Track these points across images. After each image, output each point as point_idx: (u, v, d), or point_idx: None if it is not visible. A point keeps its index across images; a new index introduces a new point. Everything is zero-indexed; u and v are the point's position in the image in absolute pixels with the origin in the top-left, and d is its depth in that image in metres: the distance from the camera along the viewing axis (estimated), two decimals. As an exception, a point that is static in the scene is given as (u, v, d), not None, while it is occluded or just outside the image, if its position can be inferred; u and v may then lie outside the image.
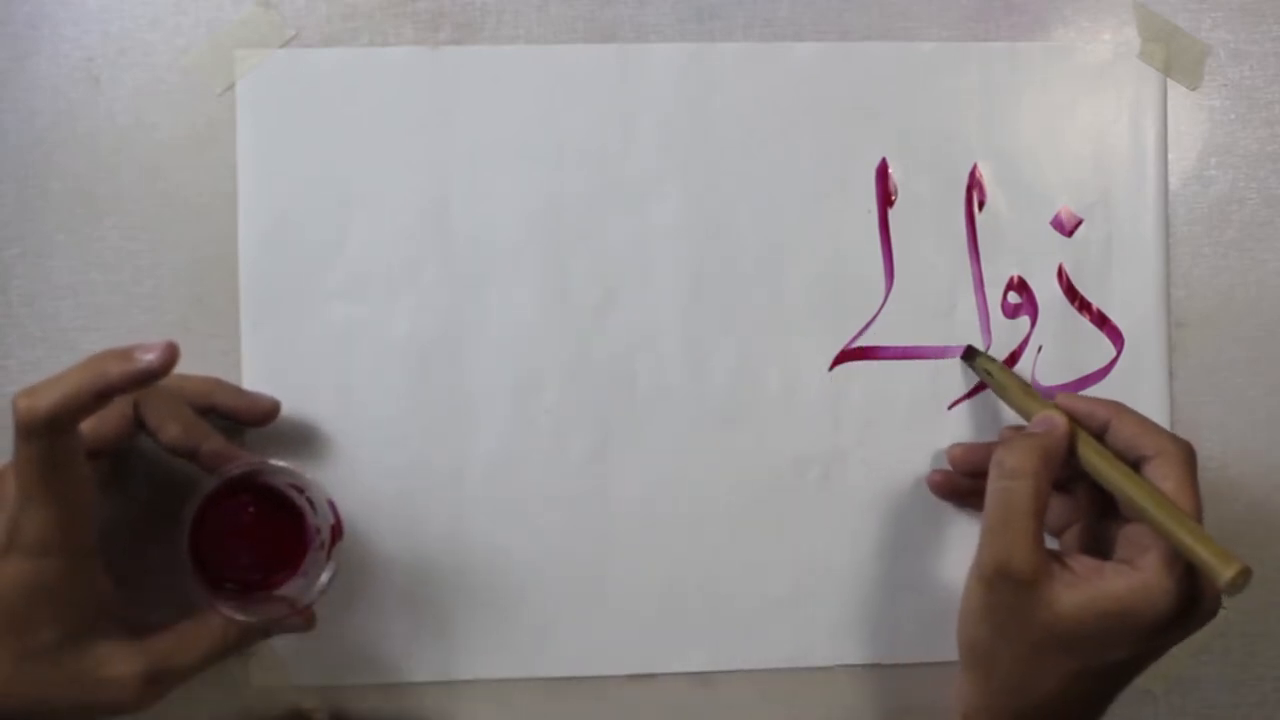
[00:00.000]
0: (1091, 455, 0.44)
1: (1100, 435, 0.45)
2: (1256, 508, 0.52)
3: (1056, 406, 0.46)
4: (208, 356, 0.49)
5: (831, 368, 0.51)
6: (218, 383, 0.47)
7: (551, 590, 0.50)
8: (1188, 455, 0.43)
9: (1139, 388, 0.52)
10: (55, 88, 0.50)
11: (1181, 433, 0.52)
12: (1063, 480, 0.46)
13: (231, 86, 0.50)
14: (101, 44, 0.50)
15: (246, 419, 0.48)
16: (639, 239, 0.50)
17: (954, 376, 0.51)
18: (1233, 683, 0.52)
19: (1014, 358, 0.51)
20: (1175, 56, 0.52)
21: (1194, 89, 0.53)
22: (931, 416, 0.51)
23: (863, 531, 0.51)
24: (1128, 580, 0.41)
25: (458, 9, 0.50)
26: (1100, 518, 0.46)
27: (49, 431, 0.38)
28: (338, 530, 0.45)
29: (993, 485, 0.43)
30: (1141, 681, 0.51)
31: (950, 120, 0.51)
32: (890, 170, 0.51)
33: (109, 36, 0.50)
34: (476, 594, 0.50)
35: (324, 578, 0.45)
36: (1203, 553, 0.39)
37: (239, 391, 0.48)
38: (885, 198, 0.51)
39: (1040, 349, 0.51)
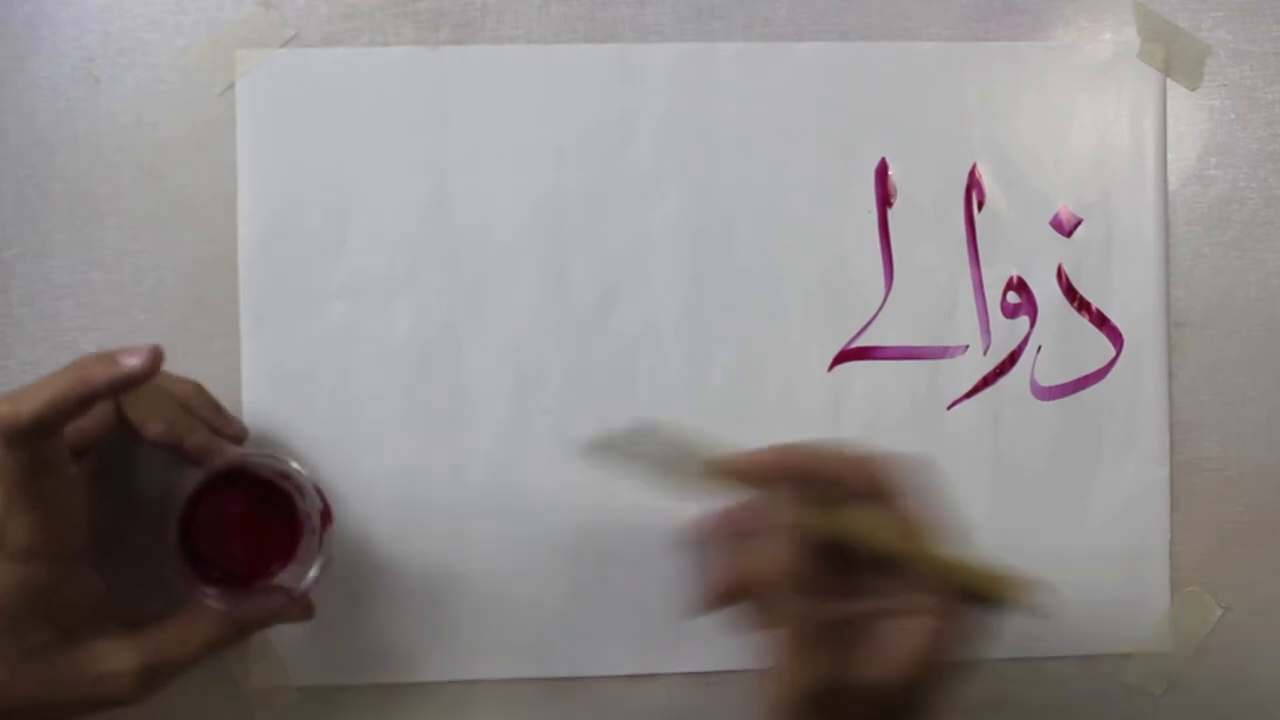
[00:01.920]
0: (829, 521, 0.38)
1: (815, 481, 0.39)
2: (1256, 508, 0.52)
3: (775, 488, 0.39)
4: (208, 356, 0.49)
5: (831, 368, 0.51)
6: (198, 389, 0.47)
7: (552, 590, 0.50)
8: (910, 473, 0.39)
9: (1139, 388, 0.52)
10: (55, 88, 0.50)
11: (1181, 433, 0.52)
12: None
13: (231, 86, 0.50)
14: (101, 44, 0.50)
15: (219, 432, 0.47)
16: (639, 239, 0.50)
17: (954, 376, 0.51)
18: (1233, 683, 0.52)
19: (1013, 358, 0.51)
20: (1175, 56, 0.52)
21: (1194, 89, 0.53)
22: (931, 416, 0.51)
23: (862, 531, 0.51)
24: (917, 634, 0.37)
25: (458, 9, 0.50)
26: (847, 573, 0.39)
27: (32, 437, 0.38)
28: (328, 515, 0.45)
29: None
30: (1141, 682, 0.52)
31: (950, 120, 0.51)
32: (890, 170, 0.51)
33: (109, 36, 0.50)
34: (476, 594, 0.50)
35: (318, 564, 0.45)
36: (995, 576, 0.37)
37: (216, 407, 0.47)
38: (885, 198, 0.51)
39: (1040, 349, 0.52)
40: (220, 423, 0.47)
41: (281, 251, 0.49)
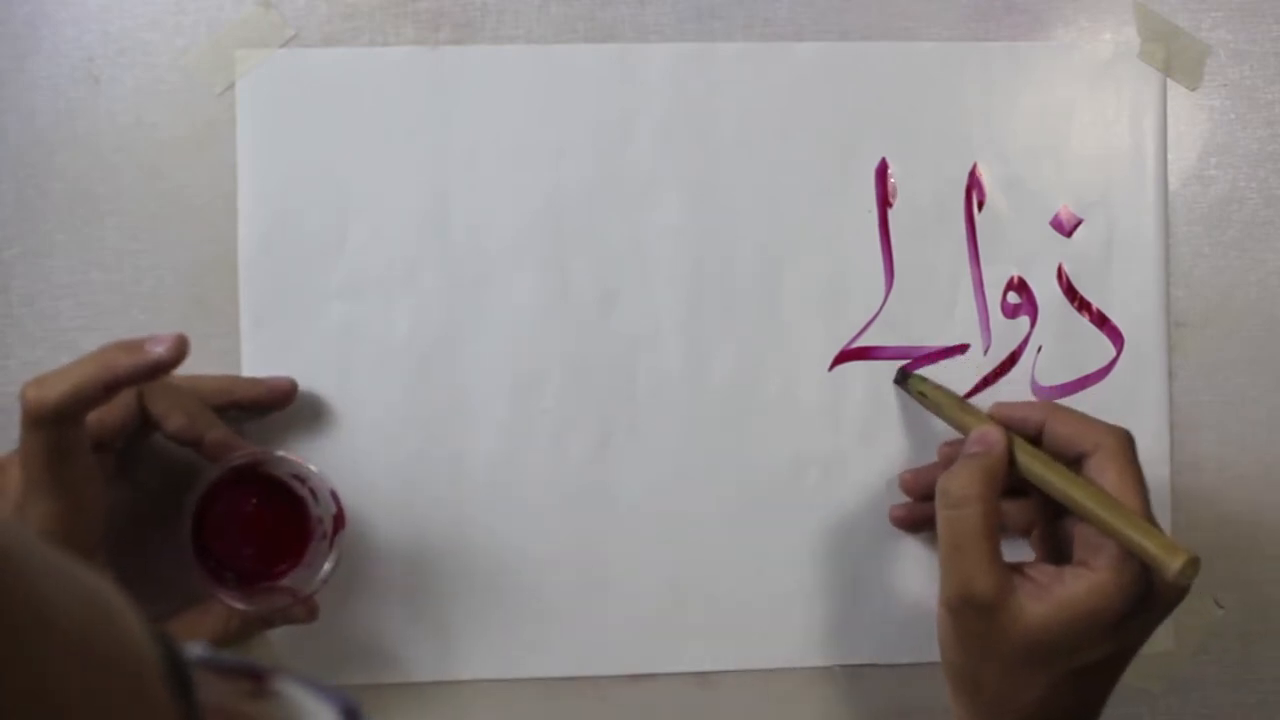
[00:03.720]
0: (1029, 462, 0.44)
1: (1037, 438, 0.45)
2: (1256, 508, 0.52)
3: (991, 419, 0.46)
4: (208, 356, 0.49)
5: (831, 368, 0.51)
6: (233, 379, 0.48)
7: (551, 590, 0.50)
8: (1125, 444, 0.43)
9: (1139, 388, 0.52)
10: (55, 88, 0.50)
11: (1181, 433, 0.52)
12: (1016, 484, 0.45)
13: (231, 86, 0.50)
14: (101, 44, 0.50)
15: (270, 403, 0.48)
16: (639, 239, 0.50)
17: (953, 376, 0.51)
18: (1233, 683, 0.52)
19: (1014, 358, 0.51)
20: (1175, 56, 0.52)
21: (1194, 89, 0.53)
22: (931, 416, 0.51)
23: (862, 531, 0.51)
24: (1086, 583, 0.41)
25: (458, 9, 0.50)
26: (1058, 517, 0.46)
27: (56, 422, 0.38)
28: (340, 520, 0.45)
29: (941, 515, 0.43)
30: (1141, 682, 0.51)
31: (950, 120, 0.51)
32: (890, 170, 0.51)
33: (109, 36, 0.50)
34: (477, 594, 0.50)
35: (326, 568, 0.45)
36: (1148, 546, 0.40)
37: (255, 381, 0.48)
38: (885, 198, 0.51)
39: (1040, 349, 0.51)
40: (268, 388, 0.48)
41: (281, 251, 0.49)
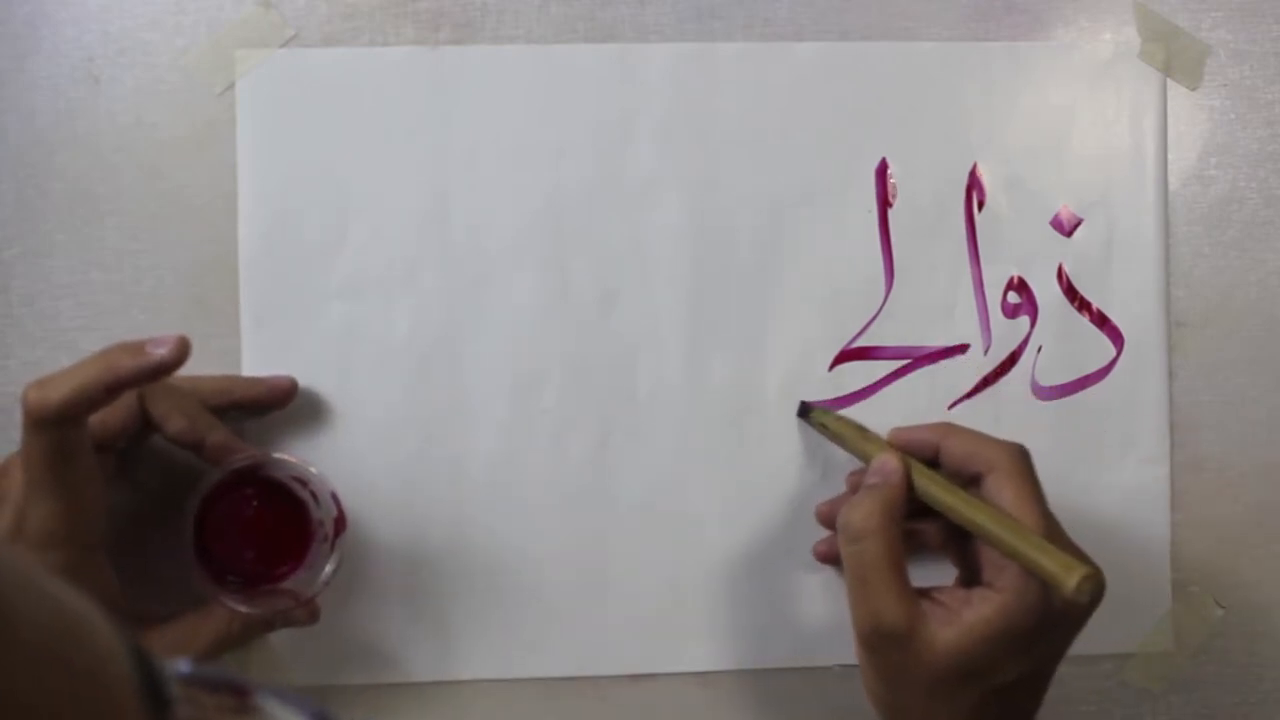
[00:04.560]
0: (928, 486, 0.44)
1: (934, 461, 0.45)
2: (1256, 508, 0.52)
3: (891, 445, 0.46)
4: (208, 356, 0.49)
5: (831, 368, 0.51)
6: (233, 379, 0.48)
7: (551, 590, 0.50)
8: (1019, 461, 0.43)
9: (1139, 388, 0.52)
10: (55, 88, 0.50)
11: (1181, 433, 0.52)
12: (922, 508, 0.45)
13: (231, 86, 0.50)
14: (101, 44, 0.50)
15: (271, 403, 0.48)
16: (639, 239, 0.50)
17: (954, 376, 0.51)
18: (1232, 683, 0.52)
19: (1014, 358, 0.51)
20: (1175, 56, 0.52)
21: (1194, 89, 0.53)
22: (931, 417, 0.51)
23: (863, 531, 0.51)
24: (991, 605, 0.40)
25: (458, 9, 0.50)
26: (967, 537, 0.45)
27: (58, 423, 0.38)
28: (341, 523, 0.45)
29: (844, 550, 0.42)
30: (1141, 682, 0.52)
31: (950, 120, 0.51)
32: (890, 170, 0.51)
33: (109, 36, 0.50)
34: (477, 595, 0.50)
35: (327, 570, 0.45)
36: (1044, 564, 0.39)
37: (255, 381, 0.48)
38: (885, 198, 0.51)
39: (1040, 349, 0.51)
40: (268, 388, 0.48)
41: (281, 251, 0.49)
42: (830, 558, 0.50)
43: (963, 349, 0.51)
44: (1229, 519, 0.52)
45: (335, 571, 0.45)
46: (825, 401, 0.51)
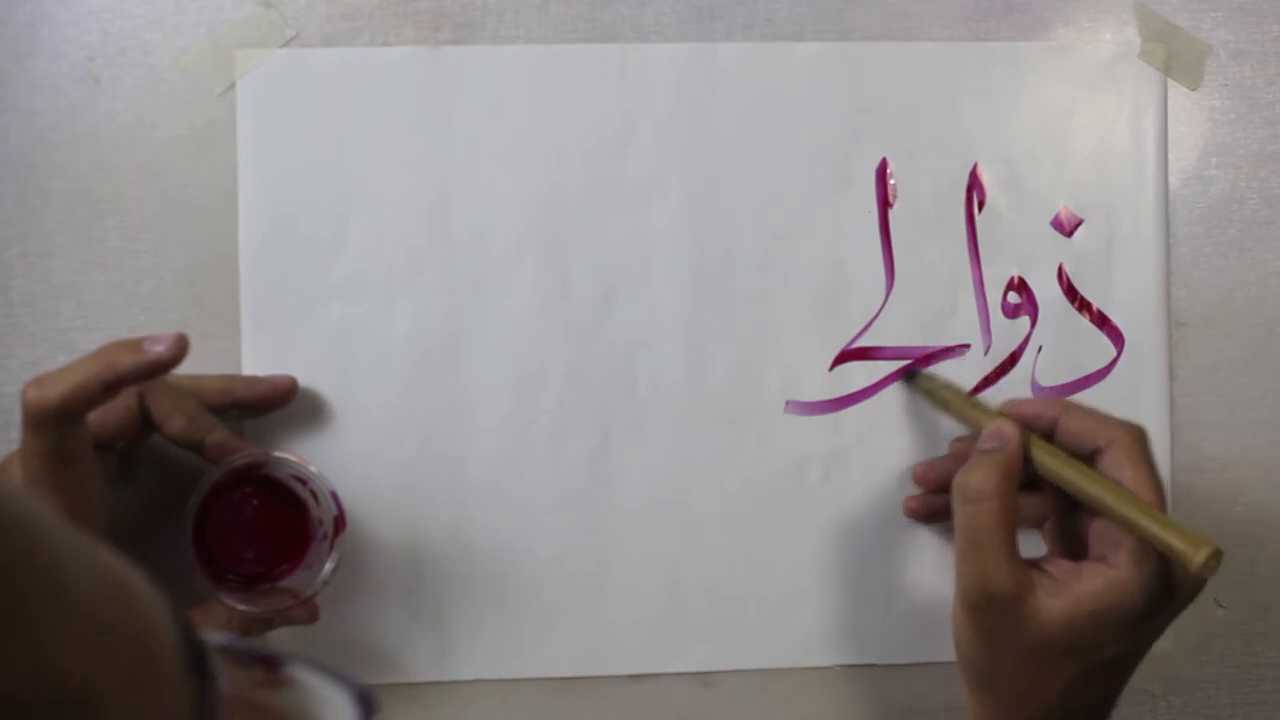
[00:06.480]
0: (1045, 458, 0.44)
1: (1050, 434, 0.45)
2: (1256, 508, 0.52)
3: (1004, 415, 0.46)
4: (208, 356, 0.49)
5: (832, 368, 0.51)
6: (233, 378, 0.48)
7: (552, 590, 0.50)
8: (1139, 439, 0.43)
9: (1139, 388, 0.52)
10: (55, 88, 0.50)
11: (1181, 433, 0.52)
12: (1028, 478, 0.46)
13: (231, 86, 0.50)
14: (101, 44, 0.50)
15: (271, 402, 0.48)
16: (639, 239, 0.50)
17: (954, 376, 0.51)
18: (1233, 683, 0.52)
19: (1014, 358, 0.51)
20: (1175, 56, 0.52)
21: (1194, 89, 0.53)
22: (932, 416, 0.51)
23: (862, 532, 0.51)
24: (1105, 579, 0.41)
25: (458, 9, 0.50)
26: (1073, 510, 0.46)
27: (57, 422, 0.38)
28: (341, 522, 0.45)
29: (959, 510, 0.43)
30: (1141, 682, 0.51)
31: (950, 120, 0.51)
32: (890, 170, 0.51)
33: (109, 36, 0.50)
34: (477, 595, 0.50)
35: (327, 569, 0.45)
36: (1170, 540, 0.39)
37: (254, 380, 0.48)
38: (885, 198, 0.51)
39: (1040, 349, 0.51)
40: (268, 387, 0.47)
41: (282, 251, 0.49)
42: (922, 513, 0.50)
43: (963, 349, 0.51)
44: (1229, 519, 0.52)
45: (335, 571, 0.45)
46: (825, 401, 0.51)
